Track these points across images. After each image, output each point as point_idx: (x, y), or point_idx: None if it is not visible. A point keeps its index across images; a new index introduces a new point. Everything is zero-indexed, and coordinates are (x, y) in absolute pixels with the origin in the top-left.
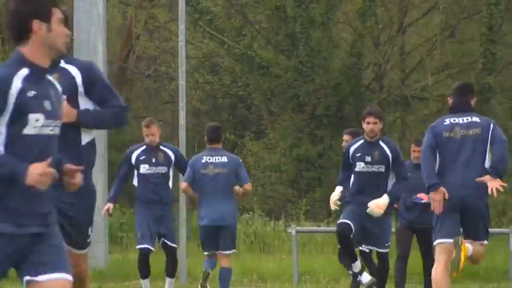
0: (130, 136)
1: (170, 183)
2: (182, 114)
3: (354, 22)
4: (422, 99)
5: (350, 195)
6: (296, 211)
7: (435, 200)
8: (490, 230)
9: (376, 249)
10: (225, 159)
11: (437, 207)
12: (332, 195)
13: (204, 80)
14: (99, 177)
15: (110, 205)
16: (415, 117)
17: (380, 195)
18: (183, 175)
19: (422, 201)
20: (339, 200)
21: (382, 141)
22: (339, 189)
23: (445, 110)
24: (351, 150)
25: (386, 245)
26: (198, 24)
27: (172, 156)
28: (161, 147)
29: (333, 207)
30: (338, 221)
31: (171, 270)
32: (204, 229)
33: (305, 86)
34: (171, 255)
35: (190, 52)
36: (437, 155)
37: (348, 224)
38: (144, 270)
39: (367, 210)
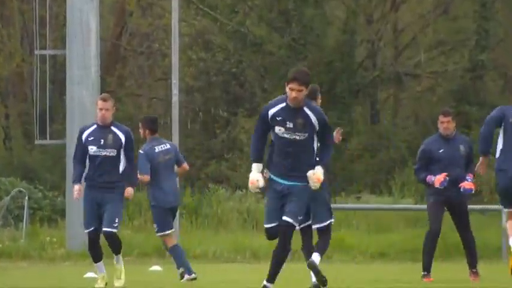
0: (123, 113)
1: (121, 167)
2: (175, 91)
3: None
4: (415, 76)
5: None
6: None
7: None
8: (483, 206)
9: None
10: (168, 145)
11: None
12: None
13: (197, 57)
14: None
15: (79, 186)
16: (407, 94)
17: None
18: (126, 162)
19: (472, 192)
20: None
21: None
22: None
23: (437, 86)
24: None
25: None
26: (191, 1)
27: (123, 139)
28: (112, 127)
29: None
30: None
31: (113, 250)
32: (164, 210)
33: (298, 63)
34: (108, 239)
35: (183, 29)
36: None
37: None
38: (95, 254)
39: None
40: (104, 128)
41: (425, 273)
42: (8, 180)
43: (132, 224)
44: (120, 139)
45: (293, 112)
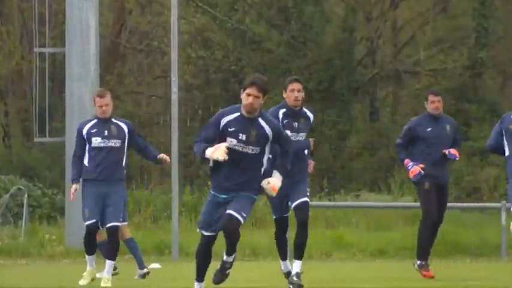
0: (122, 111)
1: (124, 159)
2: (175, 89)
3: None
4: (415, 74)
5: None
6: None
7: None
8: (482, 204)
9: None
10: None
11: None
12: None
13: (196, 54)
14: None
15: (76, 186)
16: (407, 92)
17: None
18: (135, 149)
19: (456, 159)
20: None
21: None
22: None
23: (436, 84)
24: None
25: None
26: None
27: (126, 130)
28: (113, 119)
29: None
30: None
31: (110, 252)
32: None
33: (297, 61)
34: (111, 235)
35: (183, 27)
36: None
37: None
38: (90, 246)
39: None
40: (105, 120)
41: (423, 262)
42: (7, 178)
43: (131, 221)
44: (124, 130)
45: (247, 123)
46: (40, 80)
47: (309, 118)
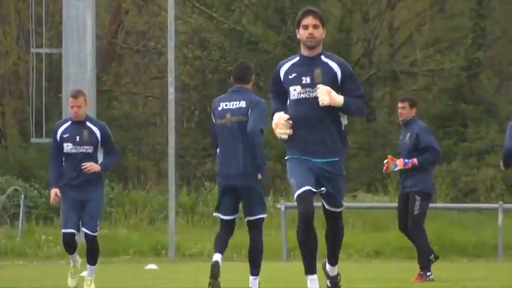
0: (119, 111)
1: (100, 160)
2: (171, 89)
3: None
4: (412, 74)
5: None
6: (285, 186)
7: None
8: (479, 205)
9: None
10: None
11: None
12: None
13: (193, 55)
14: None
15: (56, 190)
16: (404, 92)
17: None
18: (107, 155)
19: (396, 169)
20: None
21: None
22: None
23: (433, 84)
24: None
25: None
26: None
27: (99, 135)
28: (87, 123)
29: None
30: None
31: (90, 257)
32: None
33: None
34: (89, 243)
35: (179, 27)
36: None
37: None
38: (69, 249)
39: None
40: (78, 124)
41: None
42: (3, 178)
43: (128, 222)
44: (96, 135)
45: (309, 63)
46: (37, 80)
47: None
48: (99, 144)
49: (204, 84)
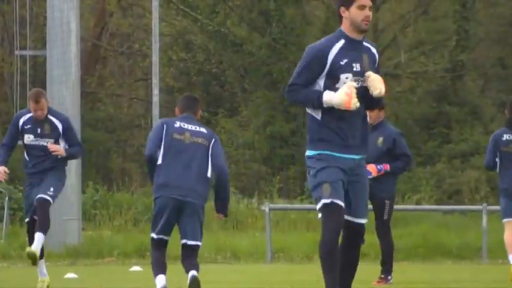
0: (104, 113)
1: (59, 157)
2: (156, 91)
3: None
4: (396, 77)
5: None
6: (269, 188)
7: None
8: (463, 207)
9: None
10: None
11: None
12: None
13: (177, 57)
14: None
15: (3, 168)
16: (387, 95)
17: None
18: (71, 145)
19: (369, 176)
20: None
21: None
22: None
23: (417, 86)
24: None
25: None
26: (172, 2)
27: (60, 128)
28: (49, 116)
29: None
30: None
31: (39, 225)
32: None
33: (278, 64)
34: (39, 207)
35: (164, 29)
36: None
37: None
38: (31, 239)
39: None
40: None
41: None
42: None
43: (112, 224)
44: (58, 128)
45: (357, 47)
46: (21, 82)
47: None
48: (61, 137)
49: (188, 86)
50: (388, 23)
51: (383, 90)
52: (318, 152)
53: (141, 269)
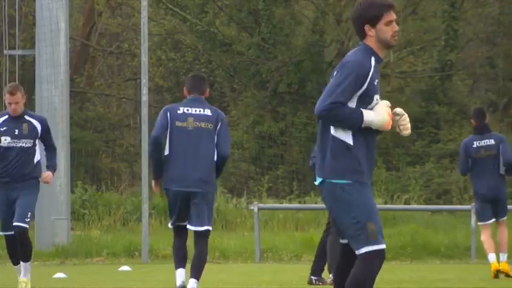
0: (93, 113)
1: (35, 159)
2: (145, 91)
3: None
4: (384, 76)
5: None
6: (258, 188)
7: None
8: (452, 207)
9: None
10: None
11: None
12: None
13: (166, 56)
14: (61, 154)
15: None
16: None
17: None
18: (48, 152)
19: None
20: None
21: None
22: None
23: (406, 86)
24: None
25: None
26: (161, 1)
27: (39, 128)
28: (26, 117)
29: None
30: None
31: (21, 254)
32: None
33: (267, 63)
34: (19, 236)
35: (153, 29)
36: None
37: None
38: (12, 257)
39: None
40: (17, 118)
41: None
42: None
43: (101, 224)
44: (36, 128)
45: (379, 65)
46: (10, 82)
47: None
48: (39, 138)
49: (177, 86)
50: None
51: (409, 130)
52: (355, 180)
53: (130, 269)
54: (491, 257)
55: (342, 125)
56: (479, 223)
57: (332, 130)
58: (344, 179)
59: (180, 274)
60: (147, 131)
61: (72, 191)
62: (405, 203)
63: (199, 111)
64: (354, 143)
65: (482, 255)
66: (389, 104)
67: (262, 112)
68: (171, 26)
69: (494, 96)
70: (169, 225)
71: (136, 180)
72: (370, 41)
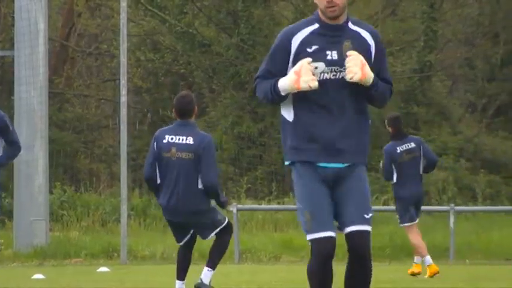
0: (71, 114)
1: None
2: (124, 92)
3: (295, 0)
4: None
5: None
6: (237, 189)
7: None
8: (431, 208)
9: None
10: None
11: None
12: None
13: (145, 57)
14: (40, 154)
15: None
16: None
17: None
18: (9, 146)
19: None
20: None
21: None
22: None
23: None
24: None
25: None
26: (140, 2)
27: None
28: None
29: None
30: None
31: None
32: None
33: (246, 64)
34: None
35: (132, 30)
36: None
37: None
38: None
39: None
40: None
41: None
42: None
43: (80, 225)
44: None
45: (334, 33)
46: None
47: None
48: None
49: (156, 87)
50: None
51: (357, 75)
52: (297, 159)
53: (109, 270)
54: (428, 259)
55: (268, 100)
56: (406, 224)
57: (281, 108)
58: (286, 160)
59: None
60: (126, 131)
61: (51, 192)
62: (384, 204)
63: (182, 139)
64: (293, 117)
65: (460, 256)
66: (309, 60)
67: (241, 113)
68: (150, 27)
69: (473, 97)
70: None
71: (115, 181)
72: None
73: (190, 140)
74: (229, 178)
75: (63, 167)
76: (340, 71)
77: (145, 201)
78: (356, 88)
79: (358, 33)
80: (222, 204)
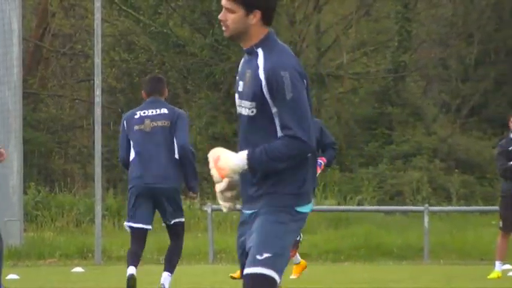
0: (46, 114)
1: None
2: (98, 92)
3: None
4: (338, 77)
5: None
6: (212, 189)
7: None
8: (405, 208)
9: None
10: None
11: None
12: None
13: (119, 58)
14: (14, 155)
15: None
16: (330, 95)
17: None
18: None
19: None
20: None
21: None
22: None
23: (360, 87)
24: None
25: None
26: (114, 2)
27: None
28: None
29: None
30: None
31: None
32: None
33: (221, 64)
34: None
35: (106, 30)
36: None
37: None
38: None
39: None
40: None
41: None
42: None
43: (54, 225)
44: None
45: (246, 57)
46: None
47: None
48: None
49: (130, 87)
50: (330, 24)
51: (221, 185)
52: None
53: (83, 270)
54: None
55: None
56: None
57: None
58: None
59: (131, 269)
60: (100, 132)
61: (25, 192)
62: (358, 204)
63: (156, 111)
64: None
65: (435, 256)
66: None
67: (215, 113)
68: (125, 27)
69: (447, 97)
70: (131, 223)
71: (89, 181)
72: None
73: (164, 111)
74: (204, 178)
75: (38, 167)
76: (241, 106)
77: (120, 201)
78: (257, 126)
79: (256, 65)
80: (195, 177)
